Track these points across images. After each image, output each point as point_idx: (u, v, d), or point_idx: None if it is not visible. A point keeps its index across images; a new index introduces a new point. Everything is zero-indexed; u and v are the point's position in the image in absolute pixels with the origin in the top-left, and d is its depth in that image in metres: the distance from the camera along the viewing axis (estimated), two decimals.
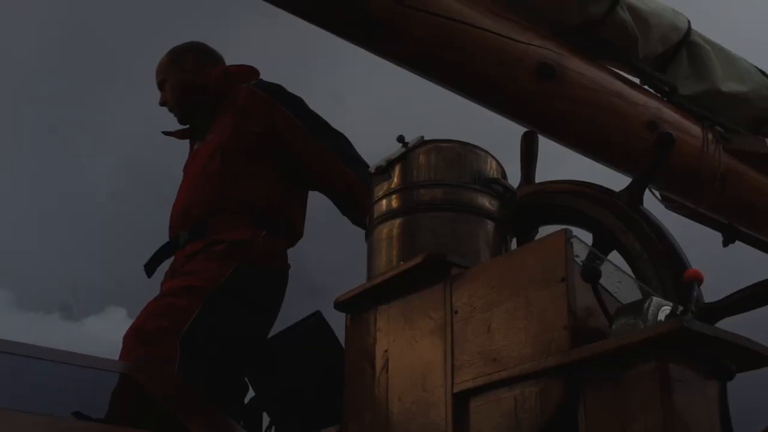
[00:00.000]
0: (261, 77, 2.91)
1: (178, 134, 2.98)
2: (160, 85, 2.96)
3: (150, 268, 2.76)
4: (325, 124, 2.75)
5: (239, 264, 2.54)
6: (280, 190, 2.71)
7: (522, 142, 2.46)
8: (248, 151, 2.68)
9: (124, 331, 2.55)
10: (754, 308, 1.85)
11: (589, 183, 2.38)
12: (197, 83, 2.86)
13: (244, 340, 2.54)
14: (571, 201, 2.35)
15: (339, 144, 2.71)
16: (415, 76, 2.58)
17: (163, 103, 2.96)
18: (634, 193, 2.25)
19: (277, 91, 2.77)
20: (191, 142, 2.99)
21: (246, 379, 2.54)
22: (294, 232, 2.76)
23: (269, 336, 2.53)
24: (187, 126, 2.97)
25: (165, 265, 2.76)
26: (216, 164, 2.68)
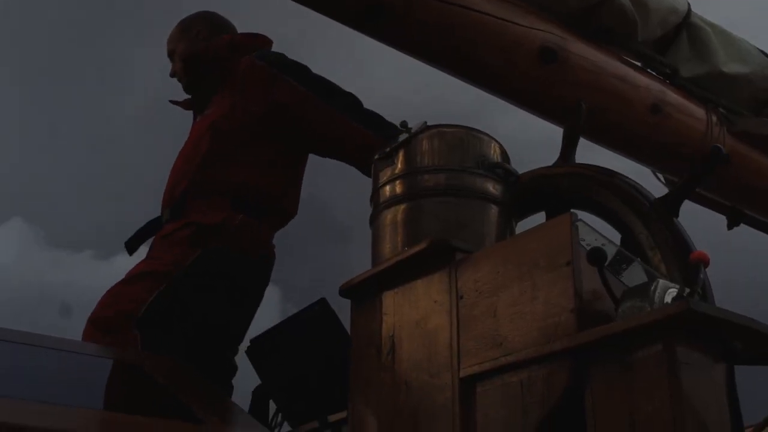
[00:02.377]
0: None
1: (184, 104, 2.88)
2: (170, 56, 2.87)
3: (131, 245, 2.67)
4: (332, 87, 2.63)
5: (208, 248, 2.46)
6: (272, 172, 2.61)
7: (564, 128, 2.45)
8: (243, 131, 2.59)
9: None
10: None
11: (589, 165, 2.38)
12: (203, 53, 2.75)
13: (214, 323, 2.46)
14: (572, 183, 2.35)
15: (350, 103, 2.60)
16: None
17: (173, 74, 2.86)
18: (671, 202, 2.18)
19: (277, 60, 2.66)
20: (194, 114, 2.89)
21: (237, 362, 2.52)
22: (284, 215, 2.67)
23: (275, 324, 2.53)
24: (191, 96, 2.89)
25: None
26: (205, 143, 2.59)
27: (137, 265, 2.54)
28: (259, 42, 2.81)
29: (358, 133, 2.55)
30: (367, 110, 2.61)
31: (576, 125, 2.40)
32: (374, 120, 2.58)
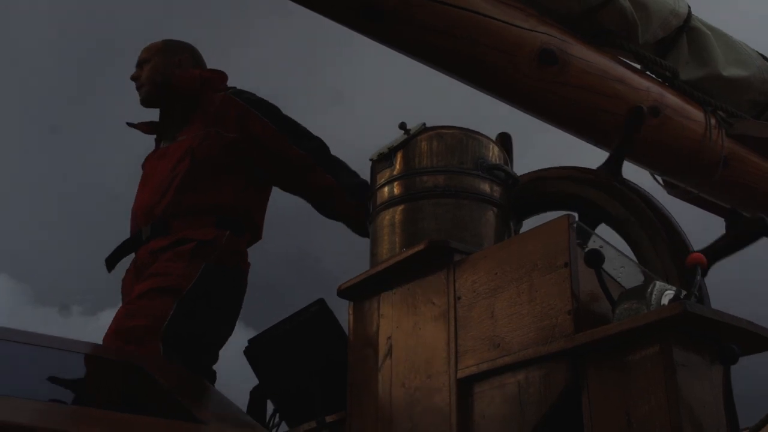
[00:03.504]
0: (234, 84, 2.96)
1: (144, 128, 2.99)
2: (141, 62, 2.95)
3: (111, 262, 2.80)
4: (301, 129, 2.79)
5: (208, 263, 2.59)
6: (245, 195, 2.76)
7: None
8: (219, 156, 2.73)
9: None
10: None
11: (572, 166, 2.41)
12: (176, 81, 2.87)
13: (214, 335, 2.60)
14: (555, 185, 2.37)
15: (315, 147, 2.76)
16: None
17: (134, 78, 2.95)
18: (612, 165, 2.34)
19: (252, 99, 2.82)
20: (157, 139, 3.00)
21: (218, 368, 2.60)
22: (255, 234, 2.83)
23: (273, 324, 2.54)
24: (152, 122, 2.97)
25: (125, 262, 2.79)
26: (185, 165, 2.72)
27: (148, 281, 2.59)
28: (223, 78, 2.96)
29: (319, 175, 2.71)
30: (332, 156, 2.77)
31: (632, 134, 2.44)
32: (337, 165, 2.75)
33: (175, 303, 2.49)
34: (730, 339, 1.48)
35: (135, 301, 2.55)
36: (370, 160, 2.21)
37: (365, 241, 2.59)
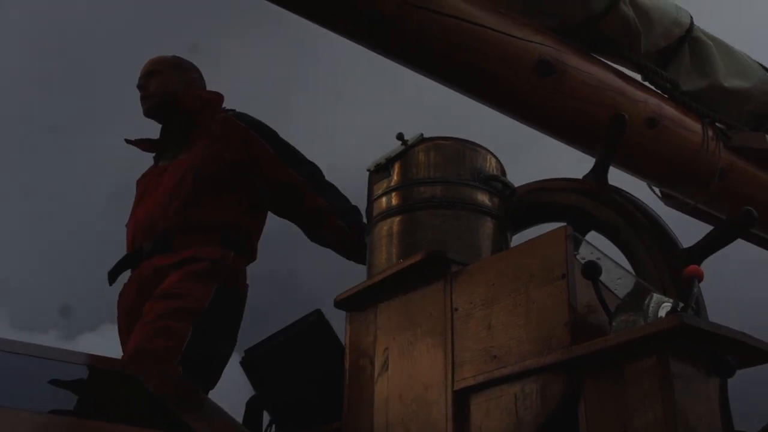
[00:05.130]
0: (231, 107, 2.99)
1: (143, 146, 3.02)
2: (150, 73, 2.96)
3: (113, 276, 2.81)
4: (297, 154, 2.83)
5: (219, 284, 2.60)
6: (245, 215, 2.78)
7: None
8: (221, 176, 2.75)
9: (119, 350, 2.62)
10: (725, 245, 2.18)
11: (562, 178, 2.41)
12: (180, 98, 2.90)
13: (221, 356, 2.61)
14: (551, 196, 2.38)
15: (310, 172, 2.79)
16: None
17: (141, 87, 2.96)
18: (598, 172, 2.35)
19: (253, 122, 2.85)
20: (155, 158, 3.02)
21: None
22: (251, 256, 2.84)
23: (269, 335, 2.54)
24: (150, 139, 2.99)
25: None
26: (188, 185, 2.74)
27: (167, 302, 2.59)
28: (221, 99, 2.99)
29: (311, 199, 2.73)
30: (325, 180, 2.80)
31: (615, 141, 2.44)
32: (330, 190, 2.77)
33: (192, 324, 2.50)
34: (727, 351, 1.48)
35: (156, 321, 2.55)
36: (368, 170, 2.21)
37: (345, 261, 2.63)
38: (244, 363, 2.49)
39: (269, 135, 2.81)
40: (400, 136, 2.13)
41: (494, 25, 2.51)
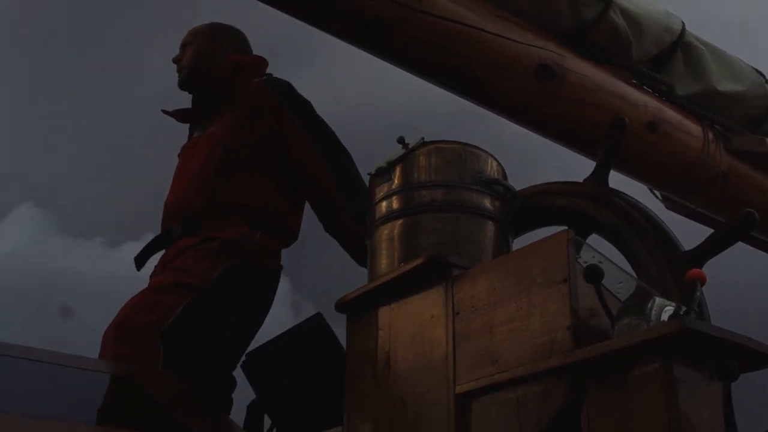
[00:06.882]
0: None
1: (178, 117, 2.91)
2: (185, 45, 2.89)
3: (140, 261, 2.71)
4: (328, 134, 2.71)
5: (232, 262, 2.50)
6: (279, 192, 2.67)
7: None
8: (250, 150, 2.64)
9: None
10: (726, 248, 2.21)
11: (563, 181, 2.41)
12: (210, 67, 2.80)
13: (231, 338, 2.50)
14: (553, 199, 2.37)
15: (337, 157, 2.67)
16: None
17: (176, 60, 2.89)
18: (599, 175, 2.35)
19: (286, 92, 2.72)
20: (191, 128, 2.92)
21: (235, 376, 2.54)
22: (290, 234, 2.73)
23: (271, 338, 2.53)
24: (185, 108, 2.91)
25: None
26: (215, 159, 2.63)
27: (165, 275, 2.55)
28: (261, 64, 2.87)
29: (326, 180, 2.62)
30: (352, 173, 2.68)
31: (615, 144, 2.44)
32: (353, 186, 2.63)
33: (187, 299, 2.41)
34: (731, 355, 1.47)
35: (146, 294, 2.49)
36: (369, 174, 2.20)
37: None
38: (245, 366, 2.48)
39: (301, 109, 2.70)
40: (401, 140, 2.13)
41: (494, 29, 2.51)
